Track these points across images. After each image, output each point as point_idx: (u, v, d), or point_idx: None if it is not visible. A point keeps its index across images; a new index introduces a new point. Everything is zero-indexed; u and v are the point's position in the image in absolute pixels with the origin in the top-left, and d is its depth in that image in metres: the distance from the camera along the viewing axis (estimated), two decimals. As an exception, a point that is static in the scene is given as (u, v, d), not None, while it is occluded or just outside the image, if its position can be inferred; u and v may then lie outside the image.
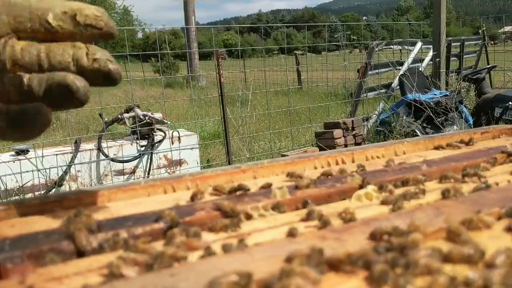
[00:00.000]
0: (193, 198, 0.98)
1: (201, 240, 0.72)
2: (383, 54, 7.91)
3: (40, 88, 0.67)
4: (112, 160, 4.74)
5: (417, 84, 6.63)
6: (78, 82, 0.67)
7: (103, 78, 0.70)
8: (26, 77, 0.68)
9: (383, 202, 0.91)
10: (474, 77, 7.48)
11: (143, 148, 4.90)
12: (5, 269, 0.62)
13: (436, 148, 1.43)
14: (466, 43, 9.47)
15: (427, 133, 5.84)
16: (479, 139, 1.49)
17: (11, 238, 0.73)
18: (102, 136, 4.78)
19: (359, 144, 6.26)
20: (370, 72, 7.49)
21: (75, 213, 0.80)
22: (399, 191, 0.98)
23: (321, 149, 5.94)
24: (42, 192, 4.23)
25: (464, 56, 9.25)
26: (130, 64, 11.81)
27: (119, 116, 5.04)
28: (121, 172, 4.82)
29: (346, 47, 11.05)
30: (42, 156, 4.32)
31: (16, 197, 4.08)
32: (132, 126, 4.97)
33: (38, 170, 4.21)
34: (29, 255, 0.66)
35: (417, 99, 6.28)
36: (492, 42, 13.50)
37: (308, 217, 0.82)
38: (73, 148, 4.64)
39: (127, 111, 5.03)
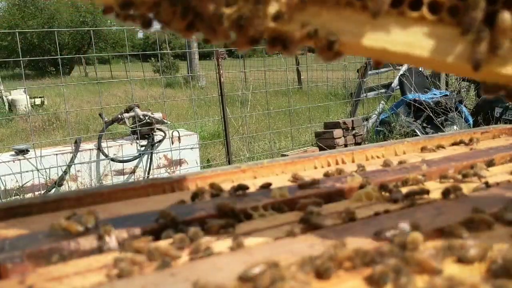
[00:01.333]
0: (193, 198, 0.98)
1: (200, 240, 0.72)
2: (383, 54, 7.89)
3: None
4: (112, 160, 4.74)
5: (417, 84, 6.62)
6: None
7: None
8: None
9: (394, 200, 0.91)
10: (474, 77, 7.47)
11: (143, 148, 4.90)
12: (5, 269, 0.62)
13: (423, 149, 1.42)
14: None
15: (427, 133, 5.85)
16: (479, 139, 1.49)
17: (11, 238, 0.73)
18: (102, 136, 4.78)
19: (359, 144, 6.26)
20: (370, 72, 7.49)
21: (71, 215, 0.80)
22: (402, 190, 0.98)
23: (321, 149, 5.94)
24: (42, 192, 4.23)
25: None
26: (130, 64, 11.82)
27: (119, 116, 5.04)
28: (121, 172, 4.82)
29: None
30: (41, 156, 4.32)
31: (16, 197, 4.08)
32: (132, 126, 4.97)
33: (38, 170, 4.21)
34: (29, 255, 0.66)
35: (417, 99, 6.28)
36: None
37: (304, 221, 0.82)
38: (73, 148, 4.64)
39: (127, 111, 5.03)
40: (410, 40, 0.72)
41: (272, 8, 0.70)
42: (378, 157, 1.33)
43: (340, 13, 0.73)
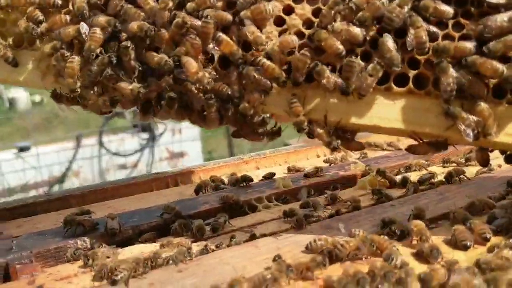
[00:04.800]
0: (197, 191, 0.98)
1: (205, 235, 0.72)
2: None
3: None
4: (114, 154, 4.74)
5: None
6: None
7: None
8: None
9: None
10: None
11: (144, 141, 4.90)
12: (14, 270, 0.62)
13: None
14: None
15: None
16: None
17: (18, 238, 0.74)
18: (103, 131, 4.78)
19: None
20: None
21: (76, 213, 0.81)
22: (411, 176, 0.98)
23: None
24: (45, 188, 4.23)
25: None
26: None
27: (120, 110, 5.03)
28: (123, 166, 4.83)
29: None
30: (42, 154, 4.32)
31: (19, 194, 4.09)
32: (133, 119, 4.96)
33: (39, 167, 4.21)
34: (37, 255, 0.66)
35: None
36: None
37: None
38: (74, 143, 4.64)
39: (127, 105, 5.01)
40: (401, 116, 0.69)
41: None
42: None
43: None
